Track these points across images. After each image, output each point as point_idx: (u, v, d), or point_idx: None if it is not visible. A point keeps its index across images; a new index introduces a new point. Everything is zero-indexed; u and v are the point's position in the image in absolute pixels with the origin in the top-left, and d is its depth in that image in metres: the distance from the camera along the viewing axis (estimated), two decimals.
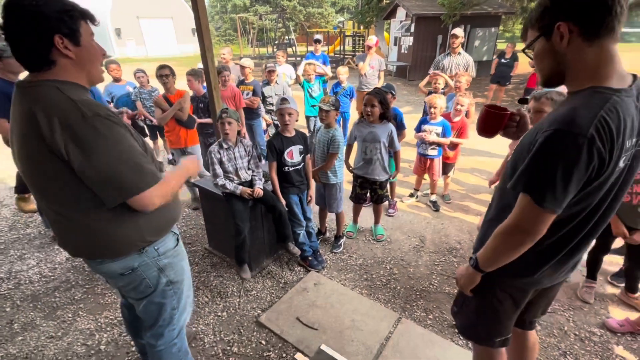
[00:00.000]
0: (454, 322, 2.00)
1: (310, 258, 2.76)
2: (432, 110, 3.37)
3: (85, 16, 1.07)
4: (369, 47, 5.11)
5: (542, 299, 1.34)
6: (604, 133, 0.83)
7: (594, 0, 0.85)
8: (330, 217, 3.24)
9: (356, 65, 5.29)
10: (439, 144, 3.42)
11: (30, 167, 1.09)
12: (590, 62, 0.90)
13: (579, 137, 0.83)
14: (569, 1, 0.88)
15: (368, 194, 3.09)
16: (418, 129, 3.54)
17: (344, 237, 3.13)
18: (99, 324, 2.25)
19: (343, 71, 4.82)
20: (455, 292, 1.46)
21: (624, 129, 0.86)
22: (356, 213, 3.24)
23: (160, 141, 4.84)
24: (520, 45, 1.53)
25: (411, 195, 3.93)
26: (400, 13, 12.50)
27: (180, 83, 3.64)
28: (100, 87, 2.99)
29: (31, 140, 1.01)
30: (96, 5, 21.88)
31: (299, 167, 2.60)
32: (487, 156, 5.21)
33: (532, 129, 1.02)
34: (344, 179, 2.93)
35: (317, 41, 6.06)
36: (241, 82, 4.45)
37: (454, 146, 3.56)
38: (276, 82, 4.56)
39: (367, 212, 3.43)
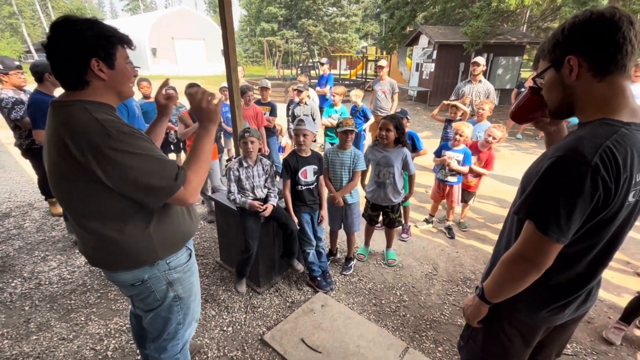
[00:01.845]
0: None
1: (319, 278, 2.74)
2: (457, 137, 3.32)
3: (123, 41, 1.13)
4: (381, 68, 5.57)
5: (556, 339, 1.27)
6: (609, 163, 0.82)
7: (605, 38, 0.85)
8: (341, 238, 3.22)
9: (372, 89, 5.75)
10: (458, 172, 3.38)
11: (59, 181, 1.13)
12: (599, 96, 0.90)
13: (583, 165, 0.82)
14: (580, 37, 0.89)
15: (380, 217, 3.07)
16: (438, 154, 3.51)
17: (355, 260, 3.09)
18: (109, 329, 2.30)
19: (355, 94, 4.85)
20: None
21: (631, 161, 0.84)
22: (368, 235, 3.21)
23: (183, 155, 5.04)
24: None
25: (426, 221, 3.86)
26: (423, 40, 12.73)
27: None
28: None
29: (62, 160, 1.06)
30: (138, 27, 23.90)
31: (312, 187, 2.63)
32: (508, 184, 5.07)
33: (539, 156, 1.02)
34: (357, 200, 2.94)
35: (321, 64, 6.89)
36: (258, 102, 4.63)
37: (477, 175, 3.50)
38: (305, 103, 4.70)
39: (379, 236, 3.40)
